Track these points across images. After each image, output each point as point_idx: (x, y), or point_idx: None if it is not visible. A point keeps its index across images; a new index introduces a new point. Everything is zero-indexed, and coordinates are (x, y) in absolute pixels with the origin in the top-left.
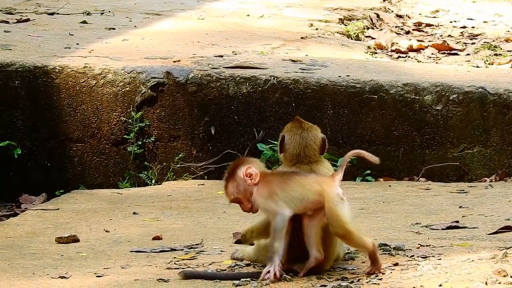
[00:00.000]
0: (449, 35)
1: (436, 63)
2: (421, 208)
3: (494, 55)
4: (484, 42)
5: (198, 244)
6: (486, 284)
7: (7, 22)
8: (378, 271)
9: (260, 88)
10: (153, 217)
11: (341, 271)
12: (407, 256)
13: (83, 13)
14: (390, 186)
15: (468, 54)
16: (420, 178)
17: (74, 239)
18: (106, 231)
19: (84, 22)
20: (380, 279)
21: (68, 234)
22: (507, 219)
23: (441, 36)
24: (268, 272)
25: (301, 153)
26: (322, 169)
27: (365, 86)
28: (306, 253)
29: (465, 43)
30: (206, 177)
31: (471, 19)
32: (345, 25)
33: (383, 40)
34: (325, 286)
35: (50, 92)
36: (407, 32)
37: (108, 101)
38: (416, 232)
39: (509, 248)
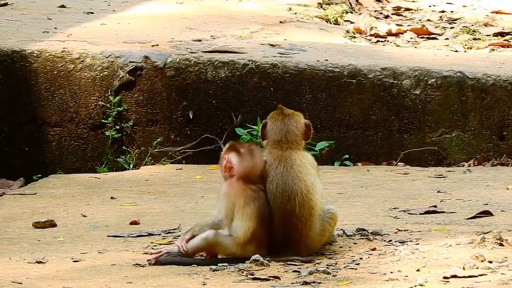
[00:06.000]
0: (428, 20)
1: (415, 47)
2: (399, 193)
3: (473, 39)
4: (463, 27)
5: (175, 228)
6: (463, 269)
7: None
8: None
9: (238, 73)
10: (131, 201)
11: (318, 256)
12: (384, 241)
13: None
14: (368, 170)
15: (447, 39)
16: (398, 163)
17: (51, 224)
18: (84, 216)
19: (63, 6)
20: (358, 264)
21: (45, 218)
22: (485, 204)
23: (420, 20)
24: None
25: (283, 139)
26: (301, 160)
27: (344, 70)
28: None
29: (444, 28)
30: (184, 161)
31: (450, 3)
32: (324, 9)
33: (362, 24)
34: (299, 271)
35: (28, 76)
36: (386, 17)
37: (86, 86)
38: (394, 217)
39: (487, 233)
